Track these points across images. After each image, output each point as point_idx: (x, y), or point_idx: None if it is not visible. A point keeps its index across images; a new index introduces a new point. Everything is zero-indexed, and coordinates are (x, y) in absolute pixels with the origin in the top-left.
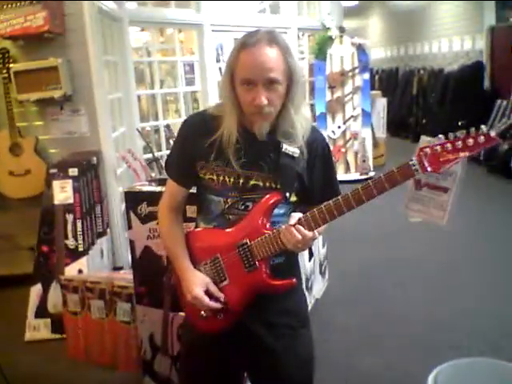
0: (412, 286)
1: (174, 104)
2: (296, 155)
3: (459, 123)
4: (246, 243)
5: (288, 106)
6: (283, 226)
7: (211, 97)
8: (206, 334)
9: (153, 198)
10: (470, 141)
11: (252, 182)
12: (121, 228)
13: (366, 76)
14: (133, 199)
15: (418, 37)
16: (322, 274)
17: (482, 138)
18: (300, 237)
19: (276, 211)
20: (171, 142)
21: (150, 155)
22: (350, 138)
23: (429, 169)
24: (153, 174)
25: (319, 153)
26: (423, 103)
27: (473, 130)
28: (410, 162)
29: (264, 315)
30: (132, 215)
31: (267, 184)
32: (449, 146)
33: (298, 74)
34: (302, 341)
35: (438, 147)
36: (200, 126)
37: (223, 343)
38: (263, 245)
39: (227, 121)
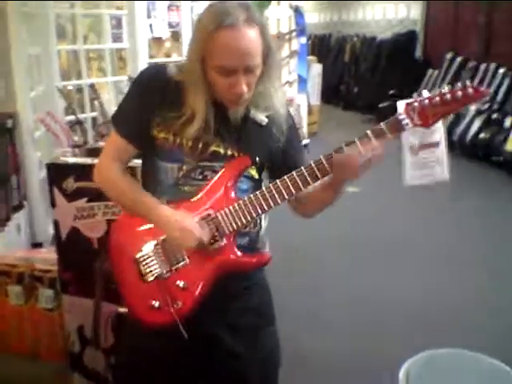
0: (359, 260)
1: (96, 61)
2: (263, 124)
3: (391, 92)
4: (210, 215)
5: (266, 84)
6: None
7: (141, 55)
8: (156, 336)
9: (81, 172)
10: (459, 94)
11: (212, 148)
12: (40, 199)
13: (303, 40)
14: (57, 172)
15: (351, 2)
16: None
17: (471, 90)
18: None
19: (238, 185)
20: (96, 103)
21: (72, 117)
22: None
23: (418, 122)
24: (76, 138)
25: (290, 125)
26: (355, 71)
27: (459, 84)
28: (400, 117)
29: (224, 316)
30: (56, 191)
31: (229, 152)
32: (437, 99)
33: (275, 50)
34: (266, 341)
35: (427, 101)
36: (161, 87)
37: (177, 347)
38: (233, 215)
39: (194, 102)
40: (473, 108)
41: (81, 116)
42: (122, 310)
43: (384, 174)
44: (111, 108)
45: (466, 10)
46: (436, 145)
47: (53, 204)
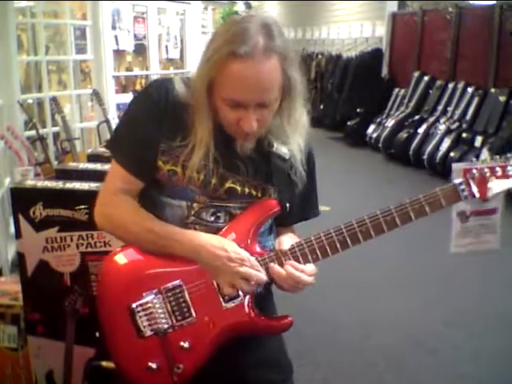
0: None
1: (55, 74)
2: (287, 157)
3: (357, 110)
4: None
5: (283, 122)
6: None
7: (106, 67)
8: None
9: (51, 197)
10: None
11: (228, 185)
12: None
13: None
14: (23, 198)
15: (316, 21)
16: None
17: None
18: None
19: None
20: (57, 117)
21: (31, 132)
22: None
23: (477, 195)
24: (36, 154)
25: (310, 165)
26: (321, 88)
27: None
28: (459, 186)
29: (235, 371)
30: (22, 220)
31: (246, 190)
32: (498, 170)
33: (298, 85)
34: None
35: (487, 170)
36: (170, 108)
37: None
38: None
39: (200, 129)
40: (442, 127)
41: (42, 131)
42: (107, 364)
43: (354, 191)
44: (74, 123)
45: (432, 29)
46: (492, 212)
47: (18, 234)
